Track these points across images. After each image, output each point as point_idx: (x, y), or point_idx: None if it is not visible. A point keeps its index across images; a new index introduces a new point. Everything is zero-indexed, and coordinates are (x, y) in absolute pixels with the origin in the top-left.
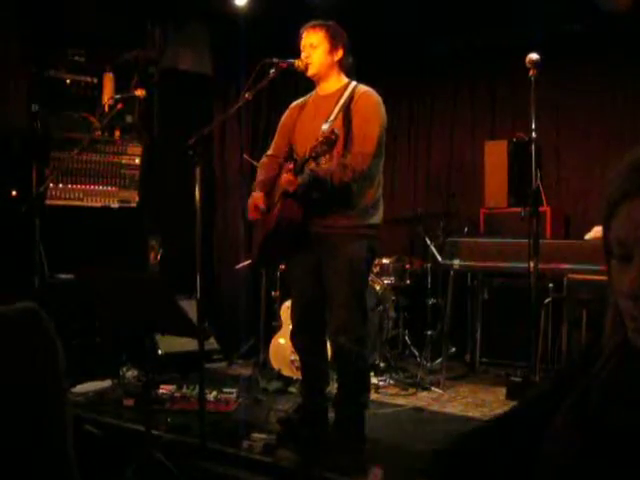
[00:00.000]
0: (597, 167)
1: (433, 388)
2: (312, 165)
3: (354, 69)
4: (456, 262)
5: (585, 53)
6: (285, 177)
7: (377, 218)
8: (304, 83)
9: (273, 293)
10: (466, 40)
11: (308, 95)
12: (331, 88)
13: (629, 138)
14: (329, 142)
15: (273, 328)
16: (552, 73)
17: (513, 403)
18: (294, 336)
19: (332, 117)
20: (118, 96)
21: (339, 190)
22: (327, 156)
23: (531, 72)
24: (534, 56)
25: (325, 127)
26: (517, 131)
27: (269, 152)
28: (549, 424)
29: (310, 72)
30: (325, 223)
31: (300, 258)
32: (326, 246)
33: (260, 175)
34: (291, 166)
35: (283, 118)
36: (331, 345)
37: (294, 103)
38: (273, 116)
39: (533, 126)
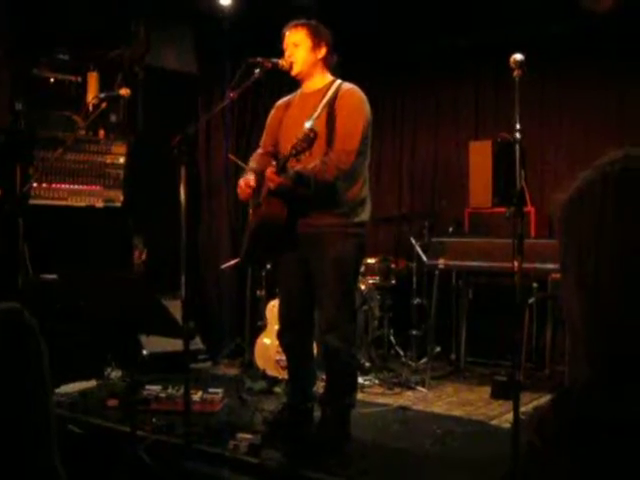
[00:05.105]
0: (581, 168)
1: (418, 387)
2: (294, 163)
3: (339, 68)
4: (441, 262)
5: (569, 53)
6: (268, 172)
7: (365, 216)
8: (288, 82)
9: (258, 293)
10: (450, 40)
11: (293, 93)
12: (316, 86)
13: (613, 139)
14: (307, 139)
15: (258, 328)
16: (536, 73)
17: (498, 402)
18: (281, 335)
19: (316, 114)
20: (102, 95)
21: (323, 188)
22: (307, 153)
23: (515, 72)
24: (518, 56)
25: (308, 124)
26: (501, 131)
27: (259, 150)
28: None
29: (294, 71)
30: (311, 222)
31: (287, 257)
32: (313, 245)
33: (252, 163)
34: (274, 164)
35: (269, 117)
36: (320, 344)
37: (280, 101)
38: (257, 115)
39: (517, 126)
